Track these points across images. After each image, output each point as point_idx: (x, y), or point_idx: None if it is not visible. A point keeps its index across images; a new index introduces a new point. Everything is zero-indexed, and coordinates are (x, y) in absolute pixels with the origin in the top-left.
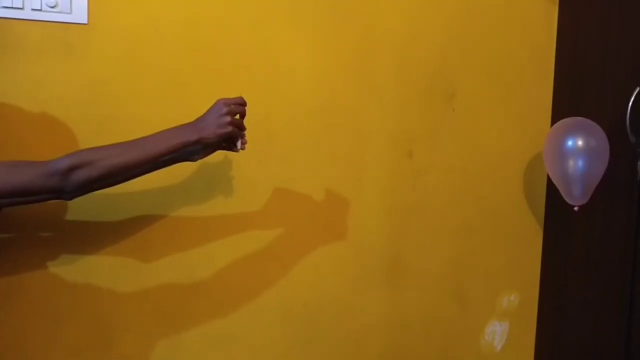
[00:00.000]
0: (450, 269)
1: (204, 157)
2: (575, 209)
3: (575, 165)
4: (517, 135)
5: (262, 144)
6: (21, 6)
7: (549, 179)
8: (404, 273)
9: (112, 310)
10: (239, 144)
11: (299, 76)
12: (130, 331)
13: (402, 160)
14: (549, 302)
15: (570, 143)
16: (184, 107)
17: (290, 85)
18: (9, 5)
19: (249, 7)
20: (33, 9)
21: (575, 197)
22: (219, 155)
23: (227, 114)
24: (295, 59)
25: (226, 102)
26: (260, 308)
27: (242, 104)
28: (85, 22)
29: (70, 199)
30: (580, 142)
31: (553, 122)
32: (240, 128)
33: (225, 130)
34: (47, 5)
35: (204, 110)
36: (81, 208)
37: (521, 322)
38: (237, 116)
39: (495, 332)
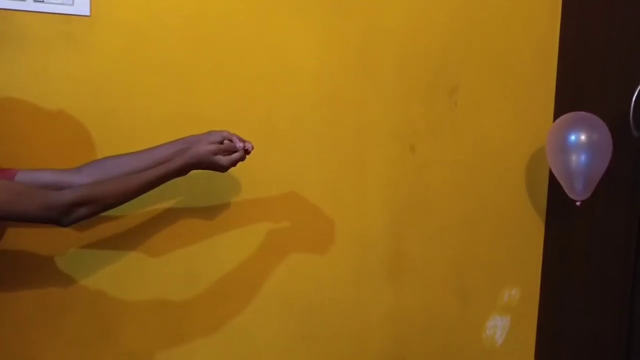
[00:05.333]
0: (452, 264)
1: None
2: (578, 203)
3: (578, 159)
4: (519, 129)
5: (265, 138)
6: None
7: (551, 174)
8: (406, 267)
9: (114, 302)
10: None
11: (301, 71)
12: (132, 324)
13: (405, 155)
14: (550, 296)
15: (572, 137)
16: (186, 100)
17: (292, 79)
18: None
19: (252, 1)
20: (35, 0)
21: (578, 191)
22: None
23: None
24: (297, 54)
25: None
26: (262, 302)
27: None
28: (88, 14)
29: (66, 226)
30: (582, 137)
31: (556, 116)
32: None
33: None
34: None
35: (206, 105)
36: None
37: (522, 316)
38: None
39: (497, 327)
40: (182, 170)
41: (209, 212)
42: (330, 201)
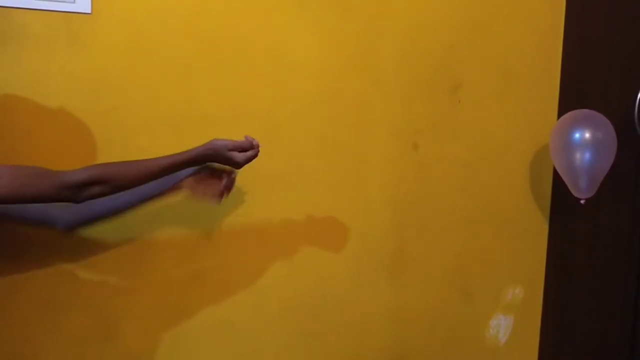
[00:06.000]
0: (454, 262)
1: None
2: (582, 202)
3: (582, 157)
4: (523, 127)
5: (266, 136)
6: None
7: (555, 172)
8: (408, 266)
9: (115, 300)
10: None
11: (302, 68)
12: (132, 322)
13: (407, 153)
14: (554, 295)
15: (577, 135)
16: (187, 98)
17: (294, 77)
18: None
19: None
20: None
21: (582, 190)
22: None
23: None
24: (298, 51)
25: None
26: (264, 300)
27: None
28: (89, 11)
29: (80, 202)
30: (587, 135)
31: (560, 114)
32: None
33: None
34: None
35: (207, 103)
36: None
37: (526, 315)
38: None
39: (500, 326)
40: (197, 160)
41: (211, 209)
42: (331, 199)
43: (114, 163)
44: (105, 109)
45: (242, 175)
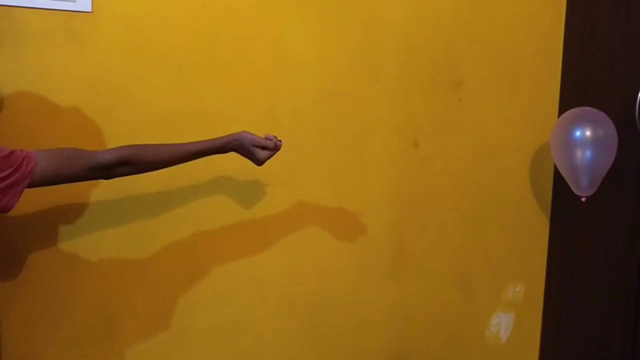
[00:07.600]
0: (455, 260)
1: None
2: (583, 199)
3: (583, 155)
4: (524, 125)
5: (267, 133)
6: None
7: (556, 170)
8: (409, 264)
9: (117, 299)
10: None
11: (304, 65)
12: (134, 320)
13: (408, 150)
14: (555, 293)
15: (578, 133)
16: (188, 95)
17: (295, 74)
18: None
19: None
20: None
21: (583, 187)
22: None
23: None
24: (300, 48)
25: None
26: (265, 299)
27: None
28: (89, 10)
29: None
30: (588, 133)
31: (561, 112)
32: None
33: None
34: None
35: (209, 100)
36: (86, 196)
37: (527, 313)
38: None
39: (501, 324)
40: (223, 149)
41: (211, 207)
42: (332, 196)
43: (144, 145)
44: (106, 106)
45: (243, 173)
